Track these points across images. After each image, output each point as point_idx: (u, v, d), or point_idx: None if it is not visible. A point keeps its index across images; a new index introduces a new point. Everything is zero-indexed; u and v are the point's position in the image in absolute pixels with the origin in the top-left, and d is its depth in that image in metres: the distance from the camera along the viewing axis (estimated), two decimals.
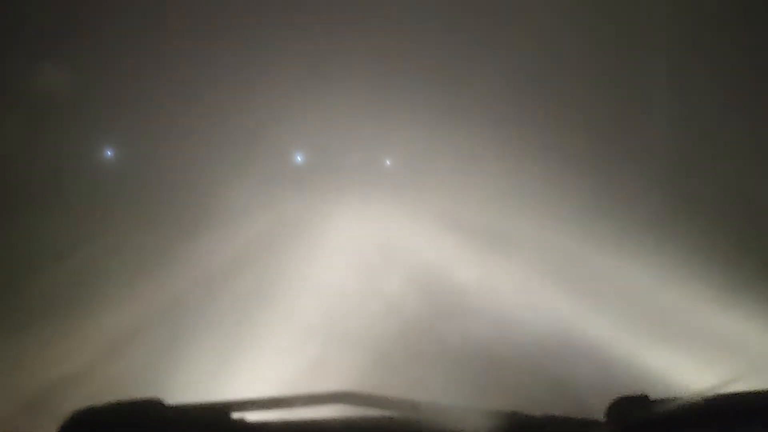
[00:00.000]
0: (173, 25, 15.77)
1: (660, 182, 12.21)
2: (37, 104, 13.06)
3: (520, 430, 1.42)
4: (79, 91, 13.92)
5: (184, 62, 16.91)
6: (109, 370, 4.49)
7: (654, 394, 1.47)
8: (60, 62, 13.30)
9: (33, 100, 12.99)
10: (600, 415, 1.48)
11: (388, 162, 31.15)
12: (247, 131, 19.73)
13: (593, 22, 17.45)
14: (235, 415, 1.41)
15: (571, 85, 18.78)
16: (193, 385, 3.85)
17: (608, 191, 11.70)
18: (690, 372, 4.01)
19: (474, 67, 22.22)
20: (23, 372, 4.25)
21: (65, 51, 13.95)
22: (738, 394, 1.42)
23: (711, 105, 13.46)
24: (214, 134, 17.07)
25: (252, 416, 1.43)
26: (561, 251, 8.52)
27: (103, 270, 7.35)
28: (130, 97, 15.18)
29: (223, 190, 13.27)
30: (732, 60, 13.75)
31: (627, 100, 17.36)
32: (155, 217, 10.22)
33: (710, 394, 1.39)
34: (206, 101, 16.91)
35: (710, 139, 12.67)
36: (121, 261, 7.74)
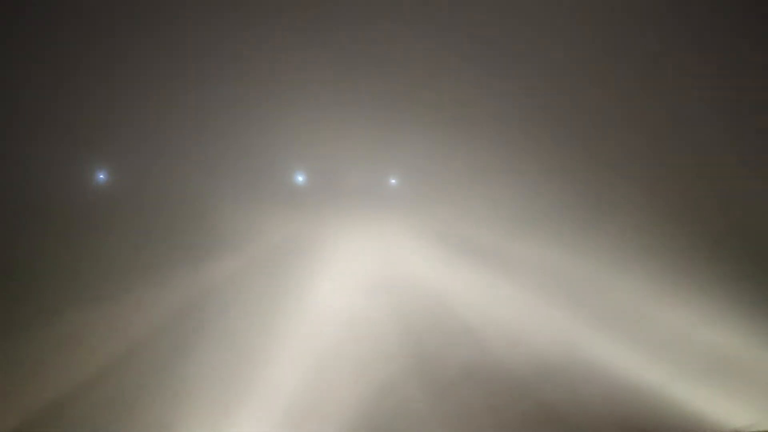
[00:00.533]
0: (166, 34, 15.65)
1: (670, 203, 12.19)
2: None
3: None
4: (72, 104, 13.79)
5: (181, 74, 16.78)
6: (97, 395, 4.50)
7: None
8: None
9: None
10: None
11: (392, 181, 31.14)
12: (244, 148, 19.58)
13: (602, 34, 17.47)
14: None
15: (579, 100, 18.74)
16: (194, 422, 3.82)
17: (619, 213, 11.63)
18: (704, 402, 3.96)
19: (482, 83, 22.18)
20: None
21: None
22: None
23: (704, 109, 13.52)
24: (209, 151, 16.90)
25: None
26: (568, 273, 8.44)
27: (95, 292, 7.14)
28: (124, 112, 15.04)
29: (221, 212, 13.07)
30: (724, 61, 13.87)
31: (635, 111, 17.38)
32: (151, 238, 10.06)
33: None
34: (203, 115, 16.77)
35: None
36: (113, 282, 7.43)
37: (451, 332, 6.08)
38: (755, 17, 13.72)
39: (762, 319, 5.45)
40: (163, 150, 15.97)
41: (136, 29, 15.34)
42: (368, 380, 4.49)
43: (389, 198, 24.74)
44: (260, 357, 5.30)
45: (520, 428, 3.70)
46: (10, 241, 9.38)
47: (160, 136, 15.78)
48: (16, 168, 11.20)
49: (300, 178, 24.47)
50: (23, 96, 12.85)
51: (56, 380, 4.82)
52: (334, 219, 18.61)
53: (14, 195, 11.32)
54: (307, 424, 4.37)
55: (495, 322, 6.33)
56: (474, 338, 5.86)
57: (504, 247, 11.01)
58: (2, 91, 12.31)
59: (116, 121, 14.93)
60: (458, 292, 8.04)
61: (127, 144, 15.30)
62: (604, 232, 9.33)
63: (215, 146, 17.95)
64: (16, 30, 13.18)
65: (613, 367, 4.75)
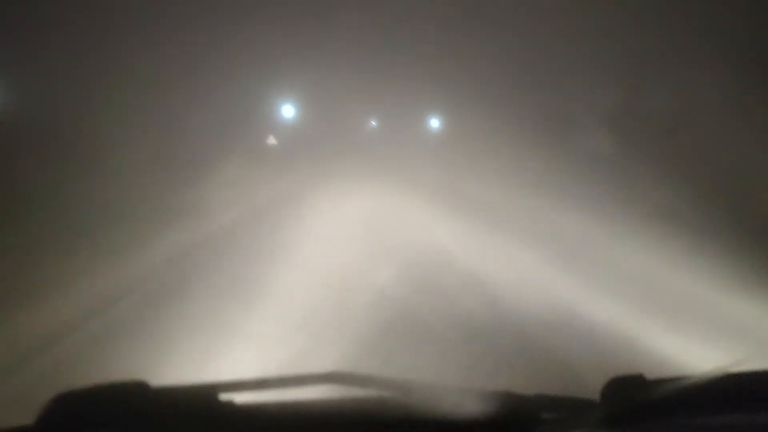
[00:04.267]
0: None
1: (664, 171, 12.25)
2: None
3: (512, 410, 1.39)
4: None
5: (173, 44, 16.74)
6: (91, 353, 4.43)
7: (652, 375, 1.45)
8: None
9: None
10: (596, 395, 1.45)
11: (374, 123, 30.31)
12: (226, 99, 19.52)
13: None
14: (224, 397, 1.38)
15: (580, 77, 18.58)
16: (179, 368, 3.83)
17: (611, 176, 11.66)
18: (691, 354, 4.01)
19: (475, 32, 21.67)
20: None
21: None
22: (738, 374, 1.39)
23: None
24: (187, 107, 16.82)
25: (241, 397, 1.40)
26: (558, 230, 8.49)
27: (80, 252, 7.17)
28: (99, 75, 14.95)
29: (204, 170, 13.19)
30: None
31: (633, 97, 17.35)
32: (133, 203, 10.06)
33: (710, 375, 1.36)
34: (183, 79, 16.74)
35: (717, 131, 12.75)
36: (96, 246, 7.52)
37: (440, 290, 6.04)
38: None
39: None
40: (159, 105, 15.82)
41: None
42: (353, 339, 4.40)
43: (374, 146, 24.46)
44: (248, 304, 5.27)
45: (526, 378, 3.72)
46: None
47: (153, 90, 15.58)
48: None
49: (290, 113, 24.19)
50: None
51: (44, 320, 4.81)
52: (325, 168, 18.72)
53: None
54: (292, 372, 4.36)
55: (484, 278, 6.36)
56: (463, 295, 5.82)
57: (495, 202, 11.06)
58: None
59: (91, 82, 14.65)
60: (447, 248, 8.10)
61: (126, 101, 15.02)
62: (602, 196, 9.34)
63: (190, 102, 17.80)
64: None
65: (604, 325, 4.73)
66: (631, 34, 16.89)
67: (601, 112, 18.71)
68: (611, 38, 17.58)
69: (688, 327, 4.55)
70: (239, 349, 4.24)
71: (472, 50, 21.88)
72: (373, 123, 30.90)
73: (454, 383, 1.56)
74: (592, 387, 1.49)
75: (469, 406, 1.35)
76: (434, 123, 30.47)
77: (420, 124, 30.31)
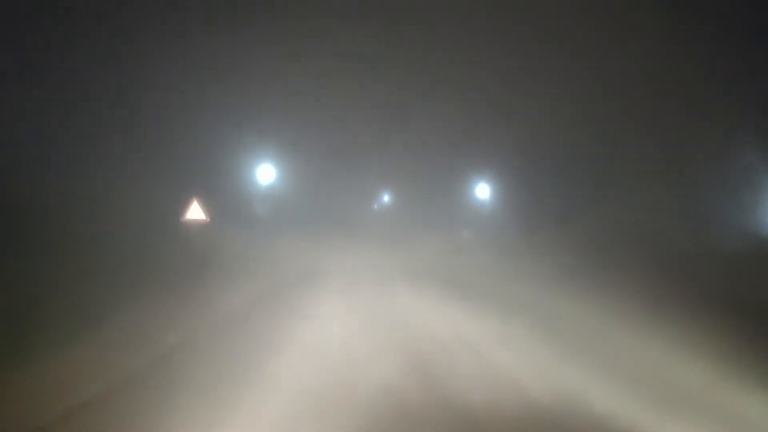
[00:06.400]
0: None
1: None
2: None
3: None
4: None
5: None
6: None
7: None
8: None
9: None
10: None
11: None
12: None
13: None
14: None
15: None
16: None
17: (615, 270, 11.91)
18: None
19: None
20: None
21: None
22: None
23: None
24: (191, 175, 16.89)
25: None
26: (564, 322, 8.43)
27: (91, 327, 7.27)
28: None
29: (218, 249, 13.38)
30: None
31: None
32: (147, 280, 10.09)
33: None
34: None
35: None
36: (105, 320, 7.63)
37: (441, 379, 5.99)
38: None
39: None
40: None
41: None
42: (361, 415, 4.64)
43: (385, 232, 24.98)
44: (245, 399, 5.25)
45: None
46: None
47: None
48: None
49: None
50: None
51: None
52: (330, 247, 18.96)
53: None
54: None
55: (487, 370, 6.32)
56: (465, 387, 5.74)
57: (501, 293, 11.14)
58: None
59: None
60: (449, 336, 7.88)
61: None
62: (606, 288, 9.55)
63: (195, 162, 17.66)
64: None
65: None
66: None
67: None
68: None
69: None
70: None
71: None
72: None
73: None
74: None
75: None
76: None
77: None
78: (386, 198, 38.44)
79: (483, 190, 27.47)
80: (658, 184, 16.39)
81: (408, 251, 20.82)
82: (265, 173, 22.27)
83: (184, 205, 13.08)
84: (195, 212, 13.05)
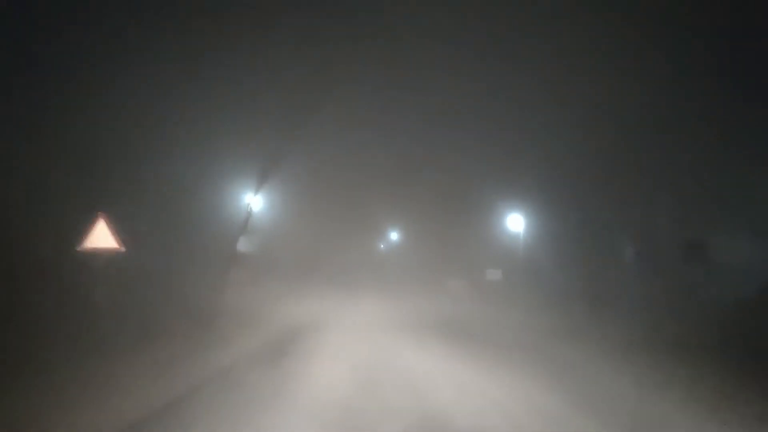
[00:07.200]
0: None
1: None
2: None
3: None
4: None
5: None
6: None
7: None
8: None
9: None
10: None
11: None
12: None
13: None
14: None
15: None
16: None
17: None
18: None
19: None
20: None
21: None
22: None
23: None
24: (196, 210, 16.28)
25: None
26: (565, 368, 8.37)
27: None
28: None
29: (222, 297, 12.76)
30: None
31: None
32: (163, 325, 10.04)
33: None
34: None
35: None
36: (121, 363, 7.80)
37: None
38: None
39: None
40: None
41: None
42: None
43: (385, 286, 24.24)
44: None
45: None
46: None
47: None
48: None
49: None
50: None
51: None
52: (332, 305, 18.21)
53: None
54: None
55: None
56: None
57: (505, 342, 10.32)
58: None
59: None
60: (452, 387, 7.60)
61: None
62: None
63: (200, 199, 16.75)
64: None
65: None
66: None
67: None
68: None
69: None
70: None
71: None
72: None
73: None
74: None
75: None
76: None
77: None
78: (395, 235, 39.17)
79: (515, 221, 23.84)
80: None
81: (415, 303, 19.50)
82: (252, 204, 21.04)
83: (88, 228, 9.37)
84: (102, 237, 9.17)
